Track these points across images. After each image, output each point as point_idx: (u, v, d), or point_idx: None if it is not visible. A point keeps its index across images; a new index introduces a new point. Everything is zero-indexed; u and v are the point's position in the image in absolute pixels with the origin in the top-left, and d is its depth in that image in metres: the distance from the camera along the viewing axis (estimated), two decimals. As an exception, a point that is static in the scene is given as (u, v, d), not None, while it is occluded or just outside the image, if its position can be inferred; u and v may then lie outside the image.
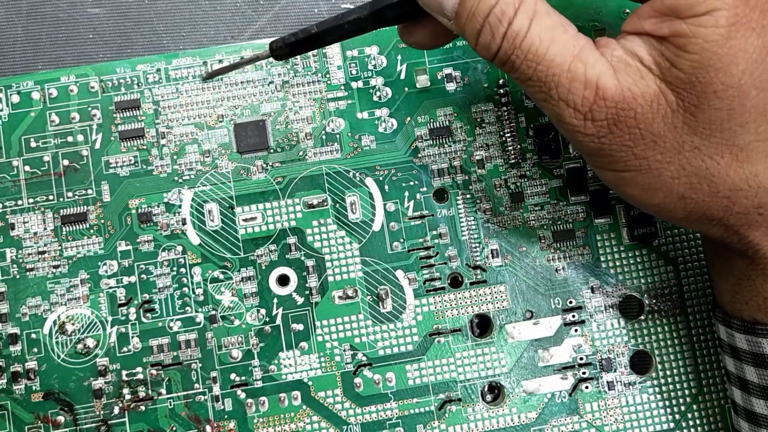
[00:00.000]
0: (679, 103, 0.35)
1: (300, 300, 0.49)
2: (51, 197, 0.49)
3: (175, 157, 0.50)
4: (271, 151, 0.50)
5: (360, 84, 0.52)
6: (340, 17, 0.42)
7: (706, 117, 0.35)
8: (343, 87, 0.51)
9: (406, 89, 0.52)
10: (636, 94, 0.36)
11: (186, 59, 0.51)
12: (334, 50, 0.52)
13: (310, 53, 0.49)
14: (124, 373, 0.47)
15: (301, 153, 0.51)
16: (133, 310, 0.48)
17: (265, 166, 0.50)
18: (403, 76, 0.52)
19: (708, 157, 0.36)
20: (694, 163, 0.36)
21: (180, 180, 0.50)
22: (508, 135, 0.50)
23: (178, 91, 0.51)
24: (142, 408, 0.47)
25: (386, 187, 0.50)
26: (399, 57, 0.52)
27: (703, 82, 0.34)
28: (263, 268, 0.50)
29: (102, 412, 0.46)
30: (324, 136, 0.50)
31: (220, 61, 0.51)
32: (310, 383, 0.48)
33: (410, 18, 0.41)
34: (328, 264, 0.49)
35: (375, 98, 0.52)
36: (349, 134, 0.51)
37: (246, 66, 0.49)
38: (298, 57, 0.50)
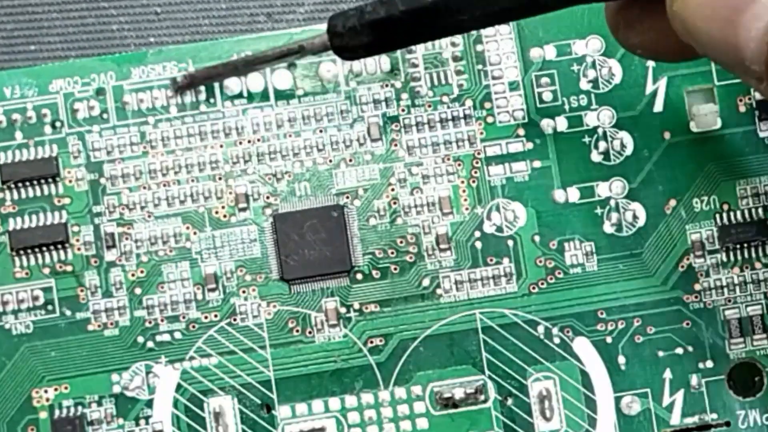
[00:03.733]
0: None
1: None
2: None
3: (137, 291, 0.28)
4: (356, 274, 0.28)
5: (560, 124, 0.29)
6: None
7: None
8: (521, 131, 0.29)
9: (668, 136, 0.28)
10: None
11: (156, 67, 0.29)
12: (501, 43, 0.29)
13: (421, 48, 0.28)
14: None
15: (423, 284, 0.28)
16: None
17: (342, 311, 0.28)
18: (659, 107, 0.29)
19: None
20: None
21: (150, 346, 0.28)
22: None
23: (144, 138, 0.29)
24: None
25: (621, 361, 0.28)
26: (649, 64, 0.29)
27: None
28: None
29: None
30: (479, 248, 0.28)
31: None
32: None
33: None
34: None
35: (595, 156, 0.29)
36: (537, 239, 0.28)
37: (267, 65, 0.28)
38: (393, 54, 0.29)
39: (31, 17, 0.33)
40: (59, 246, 0.28)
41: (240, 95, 0.29)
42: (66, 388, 0.28)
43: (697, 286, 0.28)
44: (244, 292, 0.28)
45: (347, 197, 0.29)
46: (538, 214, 0.29)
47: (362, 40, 0.25)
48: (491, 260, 0.29)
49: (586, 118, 0.29)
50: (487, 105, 0.29)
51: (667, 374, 0.28)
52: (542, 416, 0.28)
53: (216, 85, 0.29)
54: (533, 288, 0.29)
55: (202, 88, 0.29)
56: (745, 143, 0.29)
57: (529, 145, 0.29)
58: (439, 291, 0.28)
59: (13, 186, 0.28)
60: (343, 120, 0.29)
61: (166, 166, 0.29)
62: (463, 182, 0.29)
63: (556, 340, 0.28)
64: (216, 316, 0.28)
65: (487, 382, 0.28)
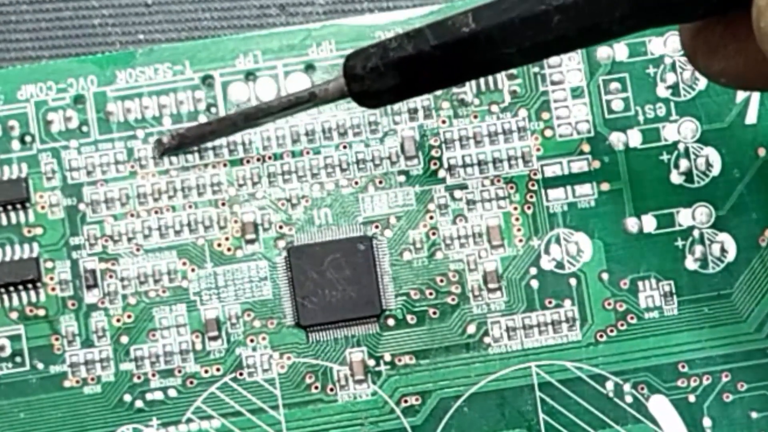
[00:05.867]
0: None
1: None
2: None
3: (123, 340, 0.28)
4: (387, 319, 0.28)
5: (633, 139, 0.29)
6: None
7: None
8: (586, 146, 0.29)
9: (762, 153, 0.29)
10: None
11: (146, 69, 0.29)
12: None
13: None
14: None
15: (468, 331, 0.28)
16: None
17: (371, 364, 0.28)
18: (751, 119, 0.29)
19: None
20: None
21: (140, 406, 0.28)
22: None
23: (131, 155, 0.29)
24: None
25: (707, 424, 0.28)
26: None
27: None
28: None
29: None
30: (535, 288, 0.28)
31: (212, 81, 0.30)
32: None
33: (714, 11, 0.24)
34: None
35: (676, 177, 0.29)
36: (605, 278, 0.28)
37: (271, 118, 0.28)
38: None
39: (-4, 11, 0.33)
40: (30, 285, 0.28)
41: (247, 104, 0.29)
42: (37, 457, 0.27)
43: (798, 334, 0.27)
44: (252, 340, 0.27)
45: (376, 227, 0.28)
46: (606, 248, 0.28)
47: (387, 83, 0.25)
48: (550, 303, 0.28)
49: (664, 131, 0.28)
50: (545, 115, 0.28)
51: (763, 440, 0.28)
52: (612, 491, 0.28)
53: (218, 90, 0.28)
54: (601, 336, 0.28)
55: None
56: None
57: (596, 164, 0.28)
58: (487, 340, 0.28)
59: (-27, 213, 0.28)
60: (372, 134, 0.28)
61: (159, 189, 0.28)
62: (516, 209, 0.28)
63: (629, 399, 0.27)
64: (218, 369, 0.27)
65: (545, 449, 0.28)
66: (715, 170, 0.28)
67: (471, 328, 0.27)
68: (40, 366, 0.27)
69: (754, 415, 0.27)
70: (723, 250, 0.28)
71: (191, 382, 0.27)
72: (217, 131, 0.28)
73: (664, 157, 0.28)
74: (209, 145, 0.28)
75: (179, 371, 0.27)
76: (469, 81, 0.28)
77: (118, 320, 0.27)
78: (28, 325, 0.27)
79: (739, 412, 0.27)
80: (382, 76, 0.25)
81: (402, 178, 0.28)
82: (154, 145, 0.29)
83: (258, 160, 0.28)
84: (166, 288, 0.27)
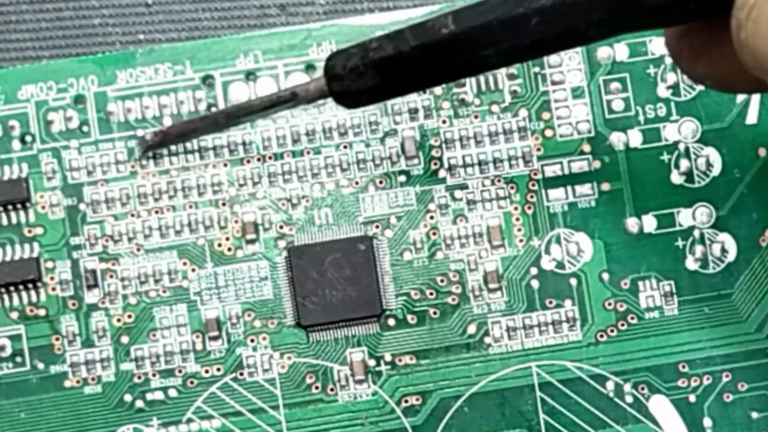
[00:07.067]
0: None
1: None
2: None
3: (123, 340, 0.28)
4: (388, 319, 0.28)
5: (634, 138, 0.29)
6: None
7: None
8: (586, 146, 0.29)
9: (763, 153, 0.29)
10: None
11: (146, 69, 0.29)
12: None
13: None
14: None
15: (468, 331, 0.28)
16: None
17: (371, 364, 0.28)
18: (752, 119, 0.29)
19: None
20: None
21: (140, 405, 0.28)
22: None
23: (131, 155, 0.29)
24: None
25: (707, 424, 0.29)
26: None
27: None
28: None
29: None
30: (536, 288, 0.28)
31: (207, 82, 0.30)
32: None
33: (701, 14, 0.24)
34: None
35: (676, 177, 0.29)
36: (606, 278, 0.29)
37: (252, 117, 0.28)
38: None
39: (-4, 10, 0.33)
40: (30, 285, 0.28)
41: None
42: (38, 457, 0.28)
43: (799, 334, 0.27)
44: (252, 340, 0.27)
45: (377, 227, 0.28)
46: (606, 248, 0.28)
47: (367, 83, 0.25)
48: (550, 303, 0.28)
49: (664, 131, 0.28)
50: (546, 115, 0.28)
51: (763, 440, 0.28)
52: (612, 491, 0.28)
53: (218, 90, 0.28)
54: (601, 336, 0.28)
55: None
56: None
57: (596, 164, 0.28)
58: (487, 340, 0.27)
59: (-27, 213, 0.28)
60: (373, 134, 0.28)
61: (159, 189, 0.28)
62: (516, 209, 0.28)
63: (629, 399, 0.27)
64: (219, 369, 0.27)
65: (545, 449, 0.27)
66: (716, 170, 0.28)
67: (471, 328, 0.27)
68: (41, 366, 0.27)
69: (754, 415, 0.27)
70: (723, 250, 0.28)
71: (191, 382, 0.27)
72: (199, 129, 0.28)
73: (665, 157, 0.28)
74: (209, 145, 0.28)
75: (180, 371, 0.27)
76: (448, 82, 0.28)
77: (119, 320, 0.27)
78: (28, 325, 0.27)
79: (739, 412, 0.27)
80: (362, 76, 0.25)
81: (402, 178, 0.28)
82: (138, 143, 0.29)
83: (258, 160, 0.28)
84: (167, 288, 0.27)
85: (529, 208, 0.28)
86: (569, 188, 0.28)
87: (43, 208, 0.28)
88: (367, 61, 0.25)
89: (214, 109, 0.29)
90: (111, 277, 0.27)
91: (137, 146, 0.29)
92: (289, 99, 0.27)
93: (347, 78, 0.25)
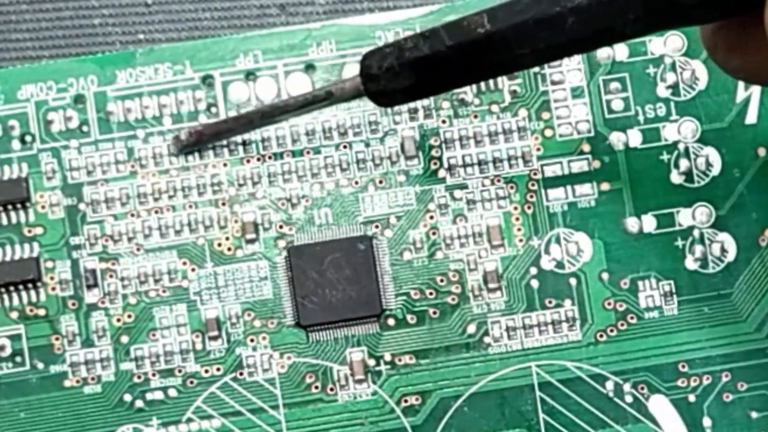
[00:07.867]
0: None
1: None
2: None
3: (123, 340, 0.28)
4: (387, 319, 0.28)
5: (633, 138, 0.28)
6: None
7: None
8: (586, 146, 0.29)
9: (762, 153, 0.29)
10: None
11: (146, 69, 0.29)
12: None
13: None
14: None
15: (468, 331, 0.28)
16: None
17: (371, 364, 0.28)
18: (751, 118, 0.29)
19: None
20: None
21: (140, 405, 0.28)
22: None
23: (131, 155, 0.29)
24: None
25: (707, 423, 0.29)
26: None
27: None
28: None
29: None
30: (535, 287, 0.28)
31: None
32: None
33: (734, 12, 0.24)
34: None
35: (676, 177, 0.29)
36: (605, 277, 0.29)
37: (288, 116, 0.28)
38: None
39: (-4, 10, 0.33)
40: (30, 285, 0.27)
41: (247, 104, 0.29)
42: (37, 457, 0.27)
43: (799, 334, 0.27)
44: (252, 340, 0.27)
45: (376, 227, 0.28)
46: (606, 247, 0.28)
47: (402, 83, 0.25)
48: (550, 302, 0.27)
49: (664, 131, 0.28)
50: (545, 115, 0.28)
51: (763, 440, 0.28)
52: (612, 491, 0.28)
53: (218, 90, 0.28)
54: (601, 336, 0.27)
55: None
56: None
57: (596, 164, 0.28)
58: (487, 339, 0.27)
59: (-27, 213, 0.28)
60: (372, 133, 0.28)
61: (159, 188, 0.28)
62: (516, 208, 0.28)
63: (628, 399, 0.27)
64: (219, 369, 0.27)
65: (545, 449, 0.27)
66: (715, 170, 0.28)
67: (471, 328, 0.27)
68: (41, 366, 0.27)
69: (754, 415, 0.27)
70: (723, 250, 0.28)
71: (191, 382, 0.27)
72: (233, 129, 0.28)
73: (664, 156, 0.28)
74: (209, 145, 0.28)
75: (179, 371, 0.27)
76: (482, 81, 0.28)
77: (119, 320, 0.27)
78: (28, 325, 0.27)
79: (739, 412, 0.27)
80: (398, 76, 0.25)
81: (402, 178, 0.28)
82: (172, 142, 0.28)
83: (258, 159, 0.28)
84: (167, 288, 0.27)
85: (529, 207, 0.28)
86: (569, 188, 0.28)
87: (43, 207, 0.28)
88: (402, 60, 0.25)
89: (214, 110, 0.28)
90: (111, 276, 0.27)
91: (172, 146, 0.29)
92: (325, 98, 0.27)
93: (383, 78, 0.25)
